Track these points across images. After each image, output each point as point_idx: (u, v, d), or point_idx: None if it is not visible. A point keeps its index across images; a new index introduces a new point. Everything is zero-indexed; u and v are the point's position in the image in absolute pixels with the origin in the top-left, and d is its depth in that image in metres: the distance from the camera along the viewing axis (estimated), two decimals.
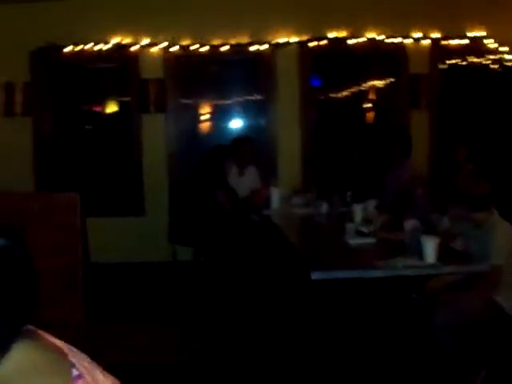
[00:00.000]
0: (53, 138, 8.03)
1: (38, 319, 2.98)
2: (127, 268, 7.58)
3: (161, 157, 7.94)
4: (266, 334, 5.21)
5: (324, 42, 7.71)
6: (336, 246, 4.52)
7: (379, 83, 8.30)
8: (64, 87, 8.05)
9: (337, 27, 7.72)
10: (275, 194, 6.72)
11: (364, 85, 8.31)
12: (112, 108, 8.25)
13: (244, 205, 7.01)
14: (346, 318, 4.37)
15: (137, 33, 7.72)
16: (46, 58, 7.74)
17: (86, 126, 8.19)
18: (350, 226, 4.76)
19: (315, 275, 3.59)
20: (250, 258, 6.32)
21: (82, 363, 1.16)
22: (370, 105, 8.40)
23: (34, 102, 7.76)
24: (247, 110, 8.27)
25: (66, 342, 3.07)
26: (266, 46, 7.73)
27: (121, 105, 8.20)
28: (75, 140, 8.15)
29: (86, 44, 7.68)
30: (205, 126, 8.37)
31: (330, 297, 4.24)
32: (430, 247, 3.75)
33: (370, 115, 8.44)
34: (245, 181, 7.26)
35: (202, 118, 8.34)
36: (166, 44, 7.72)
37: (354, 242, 4.42)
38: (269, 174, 7.72)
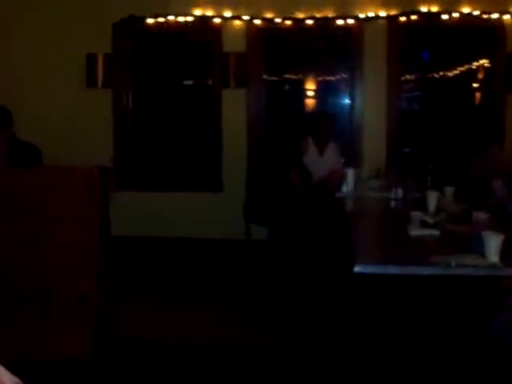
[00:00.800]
0: (133, 110, 7.97)
1: (53, 293, 2.86)
2: (200, 244, 7.48)
3: (241, 133, 7.74)
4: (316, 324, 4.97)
5: (415, 16, 7.27)
6: (395, 236, 4.19)
7: (474, 62, 7.78)
8: (145, 59, 7.97)
9: (429, 1, 7.26)
10: (350, 176, 6.39)
11: (457, 63, 7.80)
12: (193, 81, 8.10)
13: (318, 187, 6.75)
14: (392, 318, 4.06)
15: (219, 5, 7.52)
16: (129, 29, 7.67)
17: (166, 100, 8.07)
18: (415, 215, 4.38)
19: (358, 268, 3.30)
20: (312, 242, 6.07)
21: None
22: (462, 85, 7.88)
23: (115, 74, 7.71)
24: (331, 86, 7.94)
25: (77, 317, 2.88)
26: (352, 21, 7.37)
27: (202, 78, 8.03)
28: (155, 113, 8.07)
29: (168, 16, 7.55)
30: (286, 103, 8.08)
31: (378, 293, 3.94)
32: (493, 245, 3.37)
33: (462, 96, 7.92)
34: (325, 160, 6.99)
35: (284, 94, 8.06)
36: (248, 17, 7.48)
37: (415, 233, 4.06)
38: (351, 154, 7.42)
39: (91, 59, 7.65)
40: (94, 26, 7.58)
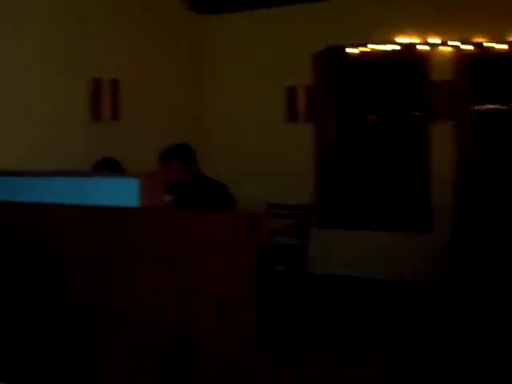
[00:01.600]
0: (336, 145, 7.64)
1: (196, 351, 2.56)
2: (402, 287, 6.93)
3: (449, 170, 7.06)
4: None
5: None
6: None
7: None
8: (347, 90, 7.59)
9: None
10: None
11: None
12: (399, 113, 7.55)
13: None
14: None
15: (424, 31, 6.99)
16: (329, 60, 7.39)
17: (370, 133, 7.61)
18: None
19: None
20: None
21: None
22: None
23: (316, 107, 7.44)
24: None
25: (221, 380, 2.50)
26: None
27: (408, 110, 7.45)
28: (358, 147, 7.65)
29: (369, 45, 7.17)
30: (499, 137, 7.18)
31: None
32: None
33: None
34: None
35: (497, 127, 7.19)
36: (457, 43, 6.88)
37: None
38: None
39: (291, 92, 7.46)
40: (292, 59, 7.41)
